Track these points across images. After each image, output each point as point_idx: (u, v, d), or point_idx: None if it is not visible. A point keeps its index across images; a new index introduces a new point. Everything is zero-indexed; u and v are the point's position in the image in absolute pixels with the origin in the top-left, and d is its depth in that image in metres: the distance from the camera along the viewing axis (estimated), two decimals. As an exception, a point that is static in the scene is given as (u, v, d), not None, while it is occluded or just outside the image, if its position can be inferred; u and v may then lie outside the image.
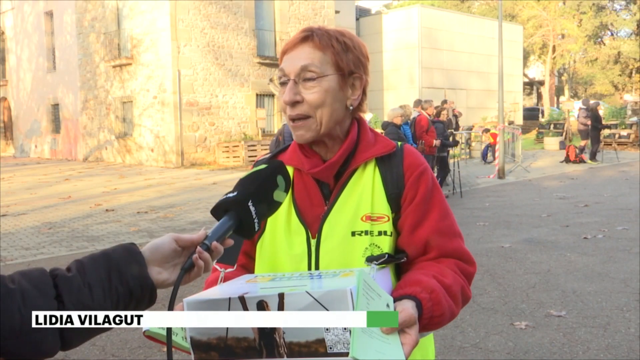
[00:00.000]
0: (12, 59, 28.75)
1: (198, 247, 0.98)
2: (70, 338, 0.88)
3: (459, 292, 1.22)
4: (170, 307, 0.91)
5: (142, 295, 0.95)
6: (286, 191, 1.11)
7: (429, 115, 10.62)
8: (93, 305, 0.90)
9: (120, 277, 0.93)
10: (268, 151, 1.39)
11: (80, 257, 0.96)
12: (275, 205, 1.09)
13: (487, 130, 19.15)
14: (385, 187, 1.28)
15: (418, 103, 11.00)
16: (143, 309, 0.98)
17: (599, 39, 44.07)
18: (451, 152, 12.73)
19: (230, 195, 1.02)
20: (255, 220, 1.02)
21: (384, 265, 1.20)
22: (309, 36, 1.25)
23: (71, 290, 0.89)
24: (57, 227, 8.64)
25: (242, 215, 1.01)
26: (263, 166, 1.10)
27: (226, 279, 1.13)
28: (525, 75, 42.96)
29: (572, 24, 38.40)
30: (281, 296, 0.90)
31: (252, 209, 1.01)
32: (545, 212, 9.08)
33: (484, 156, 19.11)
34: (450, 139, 12.65)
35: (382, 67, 27.46)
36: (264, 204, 1.05)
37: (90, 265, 0.93)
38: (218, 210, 1.02)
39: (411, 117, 10.04)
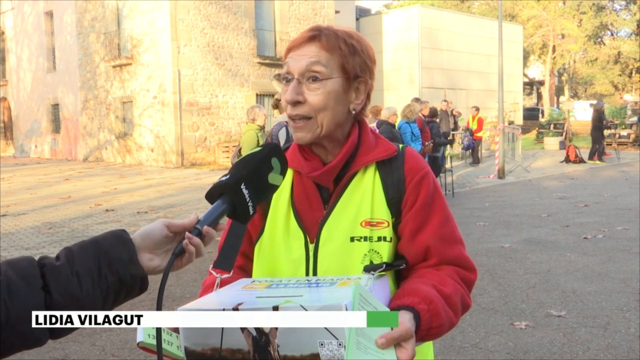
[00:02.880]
0: (12, 59, 28.74)
1: (187, 232, 0.96)
2: (59, 328, 0.88)
3: (459, 302, 1.20)
4: (161, 293, 0.88)
5: (133, 283, 0.94)
6: (282, 174, 1.08)
7: (424, 115, 10.64)
8: (82, 295, 0.88)
9: (109, 265, 0.91)
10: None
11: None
12: (272, 188, 1.06)
13: (477, 109, 17.46)
14: (385, 192, 1.26)
15: (416, 101, 11.00)
16: (134, 297, 0.97)
17: (599, 39, 44.06)
18: (446, 152, 12.66)
19: (223, 178, 1.01)
20: (250, 204, 1.00)
21: (382, 274, 1.18)
22: (316, 35, 1.22)
23: (59, 280, 0.88)
24: (57, 227, 8.64)
25: (235, 199, 0.99)
26: (257, 149, 1.08)
27: (223, 282, 1.11)
28: (525, 75, 42.94)
29: (572, 24, 38.40)
30: (276, 309, 0.89)
31: (245, 192, 1.00)
32: (545, 212, 9.07)
33: (467, 148, 17.04)
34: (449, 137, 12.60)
35: (382, 67, 27.44)
36: (259, 187, 1.03)
37: (79, 254, 0.91)
38: (212, 195, 1.01)
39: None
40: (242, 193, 0.99)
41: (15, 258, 0.91)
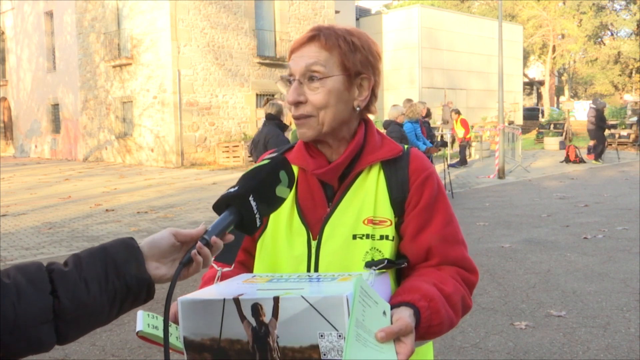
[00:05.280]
0: (12, 59, 28.74)
1: (198, 242, 0.97)
2: (66, 332, 0.88)
3: (459, 302, 1.20)
4: (168, 302, 0.90)
5: (139, 289, 0.94)
6: (289, 187, 1.09)
7: (422, 116, 10.69)
8: (89, 300, 0.89)
9: (117, 272, 0.92)
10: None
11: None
12: (278, 201, 1.07)
13: (457, 112, 17.15)
14: (389, 191, 1.26)
15: (408, 102, 11.00)
16: (140, 304, 0.97)
17: (599, 39, 44.07)
18: (441, 152, 12.65)
19: (232, 190, 1.01)
20: (257, 216, 1.01)
21: (383, 271, 1.18)
22: (315, 36, 1.24)
23: (67, 286, 0.88)
24: (57, 227, 8.64)
25: (243, 210, 1.00)
26: (265, 161, 1.08)
27: (224, 276, 1.12)
28: (525, 75, 42.95)
29: (572, 24, 38.41)
30: (276, 300, 0.90)
31: (253, 204, 1.00)
32: (545, 212, 9.07)
33: (462, 161, 17.02)
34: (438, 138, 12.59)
35: (382, 67, 27.44)
36: (266, 200, 1.04)
37: (88, 260, 0.92)
38: (220, 206, 1.01)
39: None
40: (250, 205, 1.00)
41: (24, 262, 0.92)
